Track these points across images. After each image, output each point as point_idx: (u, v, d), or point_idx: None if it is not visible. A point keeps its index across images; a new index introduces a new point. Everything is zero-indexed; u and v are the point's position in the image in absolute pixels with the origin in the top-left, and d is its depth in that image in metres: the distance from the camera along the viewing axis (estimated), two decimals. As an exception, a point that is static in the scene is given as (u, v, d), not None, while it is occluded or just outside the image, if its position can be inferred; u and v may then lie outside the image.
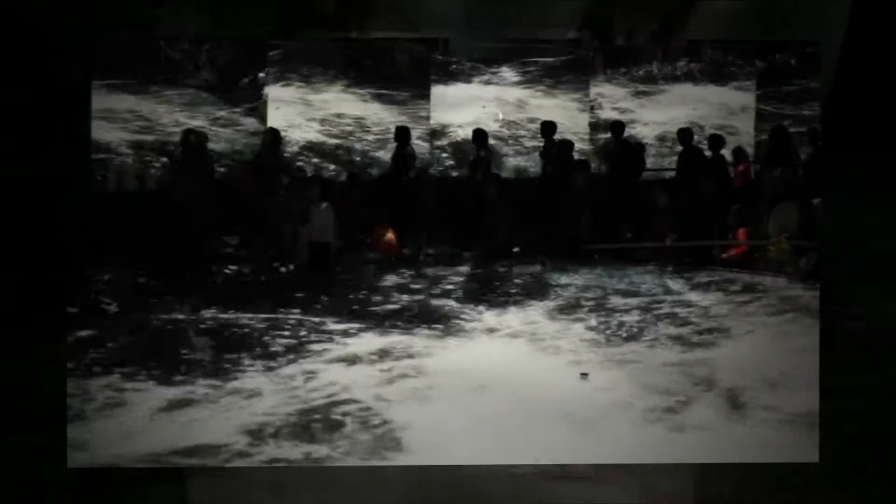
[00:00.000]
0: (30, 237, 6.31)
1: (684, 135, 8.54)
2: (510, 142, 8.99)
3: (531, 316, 7.34)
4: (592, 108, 8.84)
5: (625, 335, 7.00)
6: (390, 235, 8.07)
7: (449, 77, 8.89)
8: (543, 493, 6.07)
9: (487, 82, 9.12)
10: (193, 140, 7.81)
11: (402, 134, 8.40)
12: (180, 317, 7.03)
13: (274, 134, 8.23)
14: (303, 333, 6.91)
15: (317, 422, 6.04)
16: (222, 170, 8.22)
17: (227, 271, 7.71)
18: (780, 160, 8.31)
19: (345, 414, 6.15)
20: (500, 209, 8.09)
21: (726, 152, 8.65)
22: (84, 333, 6.76)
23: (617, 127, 8.67)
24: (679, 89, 9.20)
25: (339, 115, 8.76)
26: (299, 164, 8.39)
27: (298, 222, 7.74)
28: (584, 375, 6.54)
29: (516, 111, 9.07)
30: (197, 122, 8.30)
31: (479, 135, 8.52)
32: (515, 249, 8.17)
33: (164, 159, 7.91)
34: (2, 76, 6.41)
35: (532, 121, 8.96)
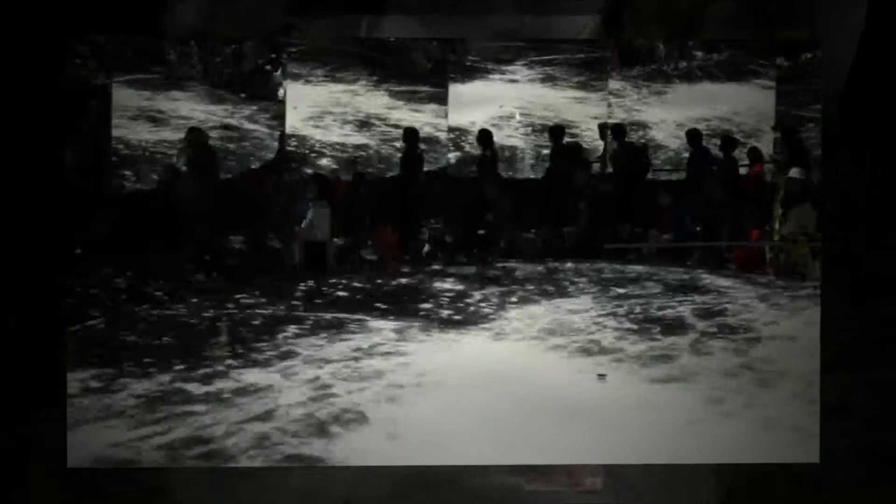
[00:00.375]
0: (35, 236, 6.35)
1: (693, 136, 8.50)
2: (527, 143, 8.94)
3: (544, 314, 7.34)
4: (608, 108, 8.79)
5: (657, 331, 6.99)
6: (393, 235, 8.09)
7: (466, 76, 8.85)
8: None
9: (505, 81, 9.07)
10: (195, 139, 7.82)
11: (411, 135, 8.38)
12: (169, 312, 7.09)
13: (283, 134, 8.24)
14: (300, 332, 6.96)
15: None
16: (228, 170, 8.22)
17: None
18: (794, 161, 8.24)
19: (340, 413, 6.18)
20: (503, 210, 8.10)
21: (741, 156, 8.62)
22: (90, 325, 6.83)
23: (618, 129, 8.63)
24: (696, 88, 9.12)
25: (358, 114, 8.74)
26: (309, 162, 8.38)
27: (294, 221, 7.77)
28: (601, 377, 6.52)
29: (532, 112, 9.02)
30: (215, 122, 8.31)
31: (484, 135, 8.52)
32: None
33: (170, 158, 7.91)
34: (18, 77, 6.45)
35: (548, 123, 8.90)
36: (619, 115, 8.73)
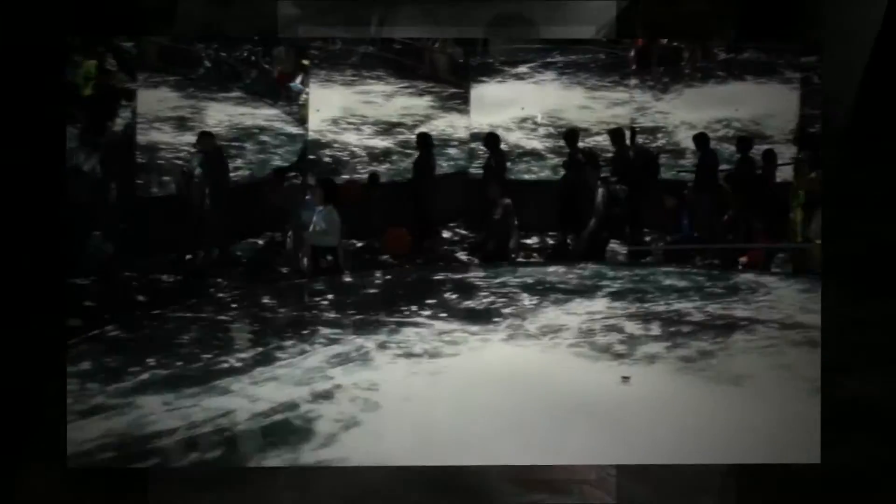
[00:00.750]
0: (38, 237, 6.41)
1: (700, 140, 8.51)
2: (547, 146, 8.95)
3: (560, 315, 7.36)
4: (628, 111, 8.78)
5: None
6: (403, 236, 8.15)
7: (487, 78, 8.89)
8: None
9: (527, 83, 9.09)
10: (206, 142, 7.91)
11: (424, 140, 8.43)
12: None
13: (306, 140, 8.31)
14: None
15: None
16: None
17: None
18: (817, 163, 8.19)
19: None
20: (507, 213, 8.16)
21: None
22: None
23: (626, 134, 8.64)
24: (718, 90, 9.11)
25: (381, 115, 8.78)
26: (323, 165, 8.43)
27: (301, 226, 7.86)
28: (625, 379, 6.51)
29: (552, 114, 9.03)
30: (245, 126, 8.40)
31: (491, 139, 8.54)
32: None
33: (183, 162, 7.99)
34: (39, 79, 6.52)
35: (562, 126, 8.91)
36: (637, 119, 8.74)
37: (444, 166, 8.66)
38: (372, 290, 7.74)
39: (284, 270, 7.91)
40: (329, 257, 7.85)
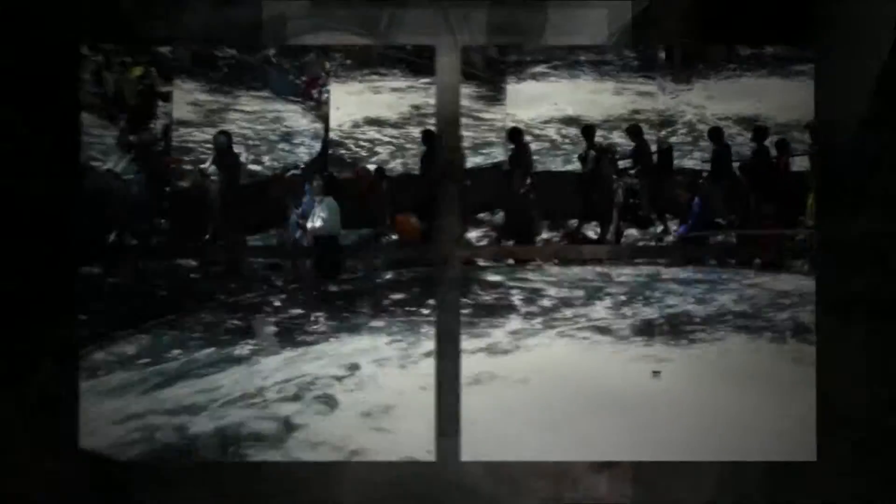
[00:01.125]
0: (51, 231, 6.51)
1: (714, 134, 8.54)
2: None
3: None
4: (651, 106, 8.77)
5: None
6: (412, 222, 8.19)
7: (523, 76, 8.90)
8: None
9: (558, 80, 9.09)
10: (222, 140, 8.03)
11: (429, 137, 8.47)
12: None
13: (327, 138, 8.39)
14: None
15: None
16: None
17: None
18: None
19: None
20: (529, 204, 8.28)
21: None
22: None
23: (635, 129, 8.63)
24: (741, 82, 9.06)
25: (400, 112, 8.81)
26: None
27: (300, 218, 7.96)
28: (655, 374, 6.53)
29: (580, 109, 9.02)
30: (270, 125, 8.49)
31: (515, 133, 8.58)
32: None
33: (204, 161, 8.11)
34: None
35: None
36: (658, 113, 8.73)
37: (477, 161, 8.69)
38: (378, 284, 7.81)
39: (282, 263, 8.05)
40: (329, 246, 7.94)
